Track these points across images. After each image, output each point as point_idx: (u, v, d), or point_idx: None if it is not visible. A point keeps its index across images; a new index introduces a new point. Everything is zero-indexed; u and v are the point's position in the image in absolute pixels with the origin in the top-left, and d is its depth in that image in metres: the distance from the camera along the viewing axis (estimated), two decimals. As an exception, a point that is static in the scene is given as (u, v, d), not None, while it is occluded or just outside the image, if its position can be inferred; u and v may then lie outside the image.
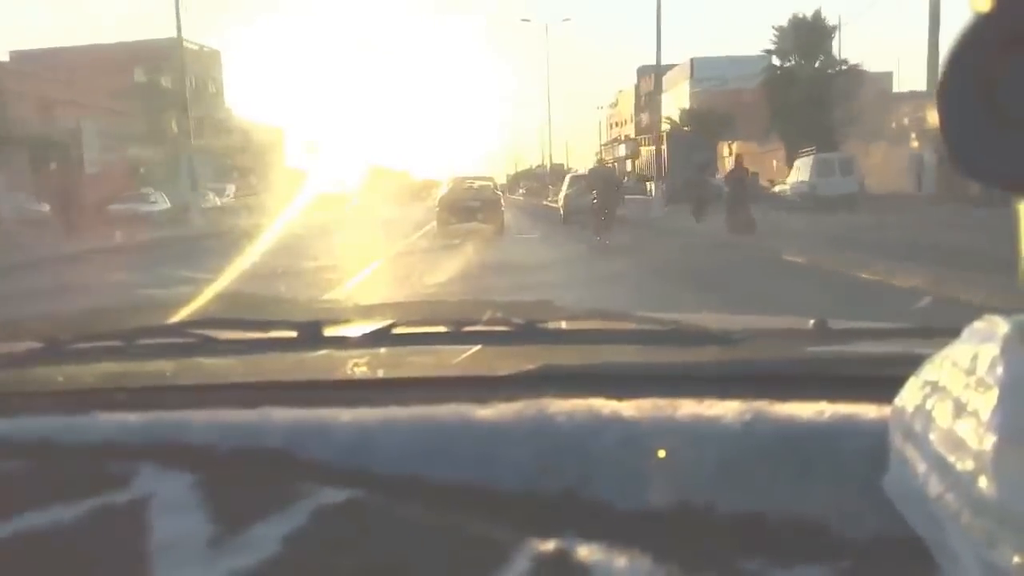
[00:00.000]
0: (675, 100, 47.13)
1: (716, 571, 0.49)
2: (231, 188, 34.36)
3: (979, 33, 0.35)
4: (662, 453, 0.55)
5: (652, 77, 57.25)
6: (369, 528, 0.52)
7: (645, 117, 58.40)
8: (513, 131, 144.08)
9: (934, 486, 0.40)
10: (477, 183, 19.00)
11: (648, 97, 58.93)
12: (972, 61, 0.35)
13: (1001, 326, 0.40)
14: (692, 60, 52.16)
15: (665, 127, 36.03)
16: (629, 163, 61.78)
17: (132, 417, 0.64)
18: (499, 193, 19.89)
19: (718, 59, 51.53)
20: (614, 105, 78.40)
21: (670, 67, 52.13)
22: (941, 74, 0.35)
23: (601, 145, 69.55)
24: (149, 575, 0.49)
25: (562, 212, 20.70)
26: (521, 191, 55.57)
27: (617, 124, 75.99)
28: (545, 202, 37.08)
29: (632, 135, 66.20)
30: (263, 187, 35.09)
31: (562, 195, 21.71)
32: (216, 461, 0.59)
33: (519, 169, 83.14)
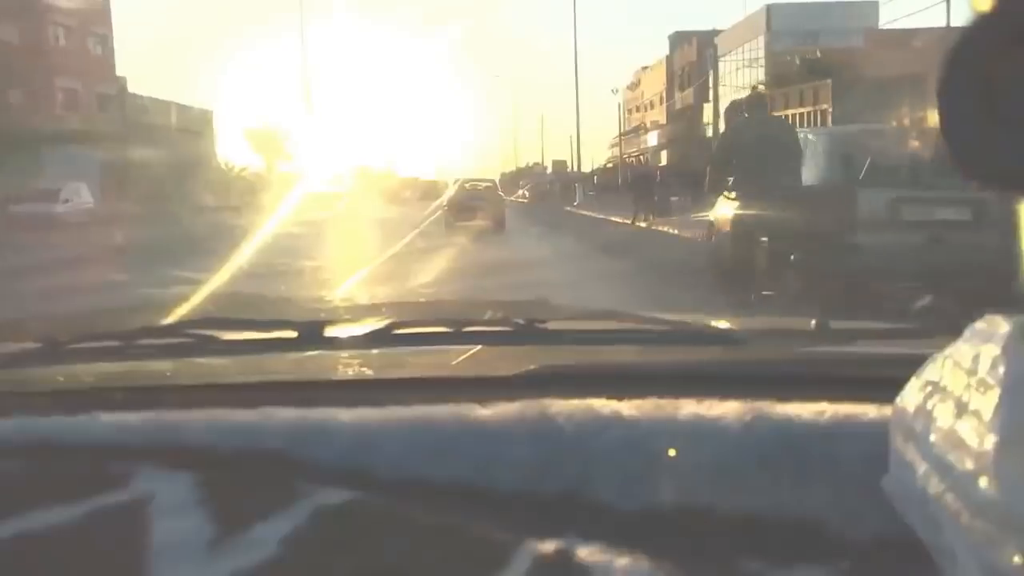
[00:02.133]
0: (743, 64, 36.75)
1: (716, 571, 0.49)
2: (77, 188, 23.45)
3: (979, 33, 0.34)
4: (672, 452, 0.55)
5: (693, 44, 46.04)
6: (369, 528, 0.52)
7: (686, 96, 47.81)
8: (505, 125, 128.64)
9: (934, 486, 0.40)
10: (482, 184, 21.46)
11: (691, 68, 47.16)
12: (972, 61, 0.35)
13: (1002, 326, 0.40)
14: (768, 7, 36.82)
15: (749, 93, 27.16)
16: (665, 154, 48.06)
17: (132, 417, 0.64)
18: (501, 194, 21.77)
19: (795, 5, 36.64)
20: (634, 87, 64.76)
21: (715, 32, 41.88)
22: (941, 74, 0.35)
23: (620, 136, 55.33)
24: (148, 575, 0.49)
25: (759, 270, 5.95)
26: (522, 191, 43.14)
27: (639, 109, 62.47)
28: (569, 208, 28.08)
29: (661, 121, 53.38)
30: (173, 186, 25.83)
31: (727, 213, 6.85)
32: (216, 461, 0.59)
33: (519, 166, 68.75)
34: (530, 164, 67.35)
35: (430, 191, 42.63)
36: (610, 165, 56.51)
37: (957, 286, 4.15)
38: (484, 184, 21.46)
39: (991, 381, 0.38)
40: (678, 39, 52.21)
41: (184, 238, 13.81)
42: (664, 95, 55.58)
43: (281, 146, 43.01)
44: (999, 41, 0.34)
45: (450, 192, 22.00)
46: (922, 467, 0.42)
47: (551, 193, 40.13)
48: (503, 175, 63.14)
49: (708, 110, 41.68)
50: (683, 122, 48.56)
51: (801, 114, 23.28)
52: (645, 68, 61.75)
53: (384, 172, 55.48)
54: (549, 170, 58.93)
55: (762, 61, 35.74)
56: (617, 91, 59.65)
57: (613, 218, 21.01)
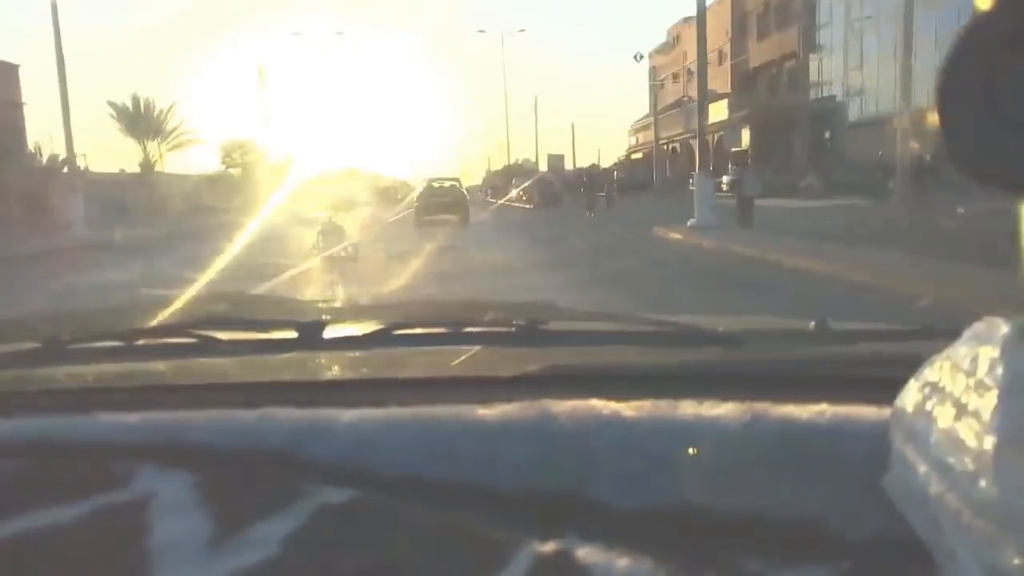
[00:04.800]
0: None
1: (716, 571, 0.49)
2: None
3: (979, 33, 0.35)
4: (676, 452, 0.55)
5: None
6: (370, 528, 0.52)
7: (782, 43, 32.04)
8: (489, 119, 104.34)
9: (934, 487, 0.40)
10: (447, 183, 24.00)
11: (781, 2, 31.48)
12: (972, 61, 0.35)
13: (1001, 327, 0.40)
14: None
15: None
16: (748, 137, 33.21)
17: (132, 417, 0.64)
18: (464, 192, 24.40)
19: None
20: (668, 48, 46.55)
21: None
22: (941, 74, 0.35)
23: (654, 114, 38.40)
24: (149, 575, 0.49)
25: None
26: (518, 192, 32.35)
27: (677, 77, 44.48)
28: (713, 242, 11.07)
29: (723, 88, 36.05)
30: None
31: None
32: (216, 461, 0.59)
33: (507, 163, 52.48)
34: (519, 160, 52.05)
35: (393, 194, 37.28)
36: (639, 155, 41.34)
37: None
38: (449, 183, 24.32)
39: (990, 382, 0.38)
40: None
41: None
42: (726, 51, 37.85)
43: (165, 130, 29.63)
44: (999, 41, 0.34)
45: (418, 191, 24.37)
46: (922, 467, 0.42)
47: (558, 195, 29.64)
48: (489, 173, 50.92)
49: (824, 64, 28.32)
50: (765, 85, 33.38)
51: None
52: (687, 19, 41.19)
53: (347, 171, 42.97)
54: (544, 166, 46.45)
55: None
56: (642, 57, 43.82)
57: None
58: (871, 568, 0.49)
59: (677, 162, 40.08)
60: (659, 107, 40.22)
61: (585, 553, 0.49)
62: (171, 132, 31.65)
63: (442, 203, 21.97)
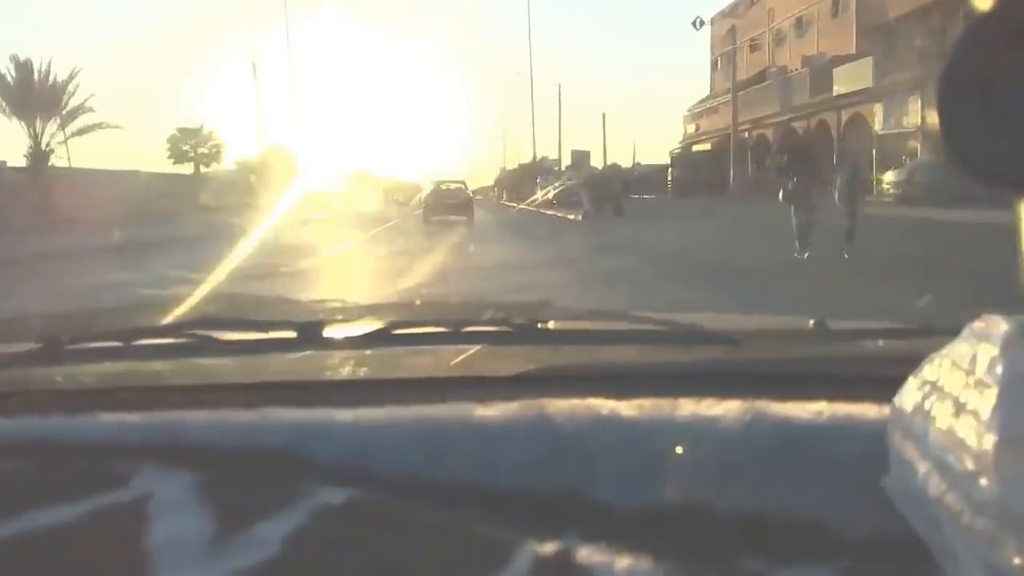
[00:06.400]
0: None
1: (716, 571, 0.49)
2: None
3: (979, 33, 0.35)
4: (674, 451, 0.55)
5: None
6: (369, 528, 0.52)
7: None
8: (503, 113, 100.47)
9: (934, 486, 0.40)
10: (453, 186, 25.85)
11: None
12: (972, 61, 0.35)
13: (1000, 326, 0.40)
14: None
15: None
16: (919, 111, 20.82)
17: (132, 417, 0.64)
18: (470, 194, 26.30)
19: None
20: (743, 10, 35.15)
21: None
22: (941, 74, 0.35)
23: (734, 89, 28.68)
24: (149, 575, 0.49)
25: None
26: (548, 195, 26.09)
27: (755, 46, 34.12)
28: None
29: (835, 50, 26.29)
30: None
31: None
32: (216, 461, 0.59)
33: (523, 162, 45.09)
34: (536, 158, 44.64)
35: (396, 195, 38.43)
36: (707, 147, 31.32)
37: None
38: (455, 185, 26.20)
39: (989, 381, 0.38)
40: None
41: None
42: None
43: (69, 107, 21.83)
44: (999, 41, 0.34)
45: (426, 192, 26.55)
46: (921, 466, 0.42)
47: (619, 201, 21.55)
48: (504, 172, 45.99)
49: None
50: (918, 40, 20.11)
51: None
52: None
53: (358, 175, 40.17)
54: (567, 163, 39.61)
55: None
56: (703, 24, 33.85)
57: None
58: (871, 568, 0.49)
59: (769, 155, 25.43)
60: (726, 86, 29.60)
61: (585, 553, 0.49)
62: (75, 111, 22.56)
63: (449, 204, 23.45)
